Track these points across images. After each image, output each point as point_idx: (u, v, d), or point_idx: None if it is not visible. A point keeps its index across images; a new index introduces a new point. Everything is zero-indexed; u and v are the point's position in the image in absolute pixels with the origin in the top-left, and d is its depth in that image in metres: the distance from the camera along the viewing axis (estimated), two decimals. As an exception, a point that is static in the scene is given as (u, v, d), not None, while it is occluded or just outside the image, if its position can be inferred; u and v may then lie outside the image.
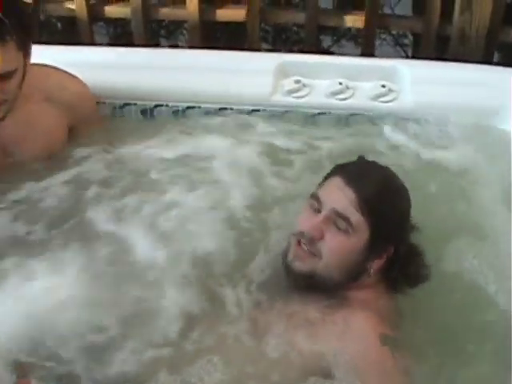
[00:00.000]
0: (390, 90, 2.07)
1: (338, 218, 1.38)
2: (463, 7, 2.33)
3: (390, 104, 2.05)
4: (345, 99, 2.06)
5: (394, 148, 1.90)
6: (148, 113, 2.10)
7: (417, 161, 1.86)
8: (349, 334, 1.32)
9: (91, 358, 1.33)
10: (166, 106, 2.09)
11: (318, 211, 1.42)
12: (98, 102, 2.01)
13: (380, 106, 2.05)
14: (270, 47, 3.43)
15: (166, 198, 1.67)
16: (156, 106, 2.10)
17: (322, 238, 1.38)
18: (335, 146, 1.89)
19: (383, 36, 3.47)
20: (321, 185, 1.48)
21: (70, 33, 2.99)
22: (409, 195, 1.48)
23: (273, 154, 1.86)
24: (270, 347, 1.34)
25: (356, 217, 1.37)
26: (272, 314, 1.41)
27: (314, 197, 1.44)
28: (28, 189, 1.69)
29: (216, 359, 1.32)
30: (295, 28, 3.22)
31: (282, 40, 3.54)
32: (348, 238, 1.38)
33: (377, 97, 2.06)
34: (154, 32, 3.19)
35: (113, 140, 1.92)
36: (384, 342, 1.31)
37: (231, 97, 2.07)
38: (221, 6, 2.60)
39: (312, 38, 2.60)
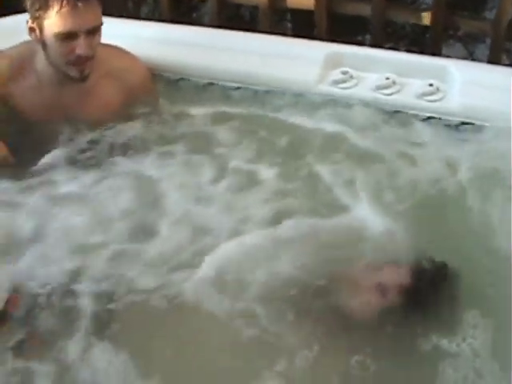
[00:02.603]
0: (438, 90, 2.05)
1: None
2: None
3: (435, 104, 2.04)
4: (390, 94, 2.07)
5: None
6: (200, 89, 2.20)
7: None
8: None
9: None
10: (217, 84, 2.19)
11: None
12: (154, 74, 2.14)
13: (425, 104, 2.03)
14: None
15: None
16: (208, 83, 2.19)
17: None
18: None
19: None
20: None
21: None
22: None
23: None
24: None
25: None
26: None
27: None
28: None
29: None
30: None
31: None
32: None
33: (423, 95, 2.04)
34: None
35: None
36: None
37: (278, 81, 2.13)
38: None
39: (379, 32, 2.60)
